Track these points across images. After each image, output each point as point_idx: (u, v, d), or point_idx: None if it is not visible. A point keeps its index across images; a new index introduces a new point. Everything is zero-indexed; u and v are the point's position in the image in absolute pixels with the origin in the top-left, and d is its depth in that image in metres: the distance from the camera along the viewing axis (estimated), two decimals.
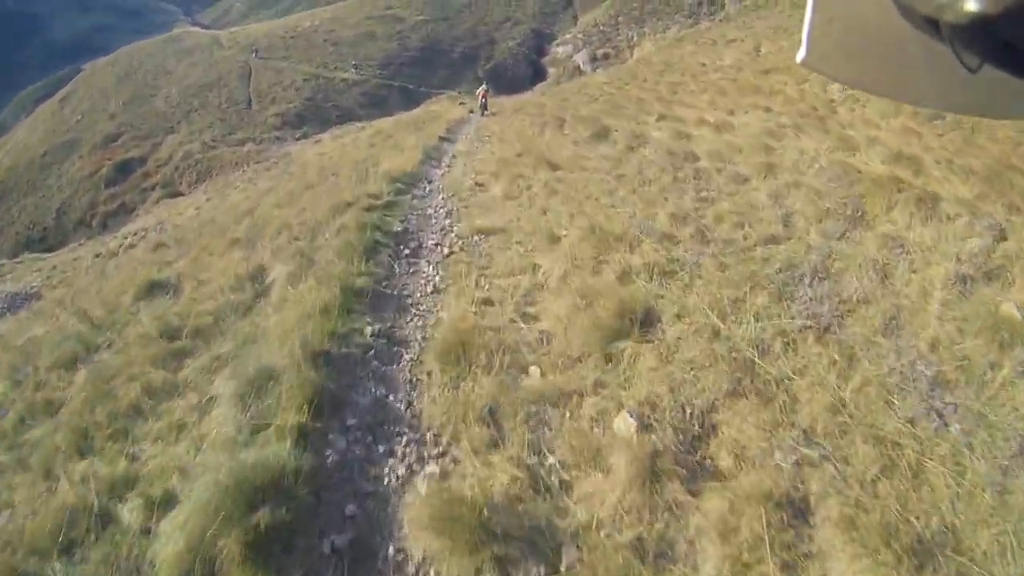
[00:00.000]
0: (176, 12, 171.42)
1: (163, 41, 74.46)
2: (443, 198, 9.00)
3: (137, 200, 46.13)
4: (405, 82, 52.78)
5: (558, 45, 61.19)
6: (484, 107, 26.59)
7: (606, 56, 57.58)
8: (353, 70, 53.37)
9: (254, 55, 59.56)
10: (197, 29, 77.75)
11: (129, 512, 3.49)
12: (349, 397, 4.16)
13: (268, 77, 54.56)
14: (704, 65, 21.39)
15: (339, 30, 60.95)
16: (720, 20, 48.53)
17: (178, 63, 64.82)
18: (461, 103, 38.72)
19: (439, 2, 66.06)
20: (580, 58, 57.42)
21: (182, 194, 40.61)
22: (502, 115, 22.56)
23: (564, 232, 6.34)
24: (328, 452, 3.65)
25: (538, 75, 57.21)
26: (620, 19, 61.98)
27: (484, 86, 29.48)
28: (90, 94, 65.88)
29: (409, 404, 4.13)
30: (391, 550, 3.08)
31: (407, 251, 6.86)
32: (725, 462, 3.26)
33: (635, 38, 59.06)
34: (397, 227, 7.48)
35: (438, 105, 40.15)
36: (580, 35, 61.33)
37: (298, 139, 45.71)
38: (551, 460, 3.44)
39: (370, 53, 56.26)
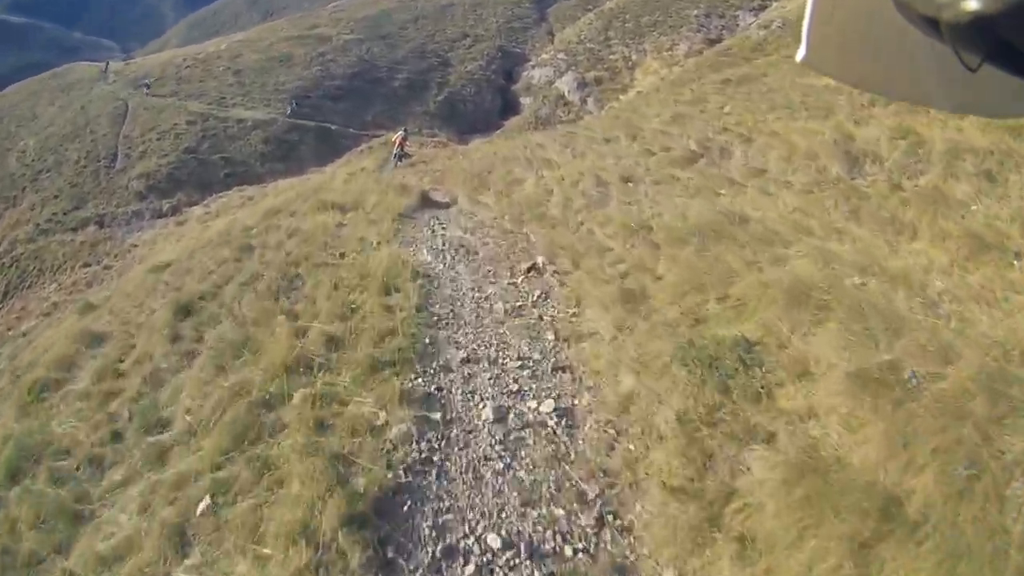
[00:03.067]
0: (115, 48, 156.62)
1: (49, 77, 60.30)
2: None
3: None
4: (327, 120, 38.97)
5: (533, 67, 48.09)
6: (400, 156, 22.69)
7: (599, 81, 44.73)
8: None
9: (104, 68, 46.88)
10: (89, 63, 63.26)
11: None
12: None
13: (145, 120, 40.56)
14: None
15: (247, 54, 47.13)
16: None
17: (50, 104, 50.70)
18: (393, 154, 25.39)
19: (376, 17, 52.49)
20: (565, 84, 44.40)
21: None
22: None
23: None
24: None
25: (509, 107, 44.20)
26: (611, 33, 49.19)
27: (402, 131, 24.84)
28: None
29: None
30: None
31: None
32: None
33: (634, 57, 46.32)
34: None
35: (363, 163, 26.40)
36: (562, 54, 48.24)
37: (163, 215, 31.71)
38: None
39: (283, 83, 42.45)
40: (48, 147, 42.60)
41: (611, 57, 46.71)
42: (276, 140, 36.71)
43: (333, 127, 38.33)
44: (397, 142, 23.64)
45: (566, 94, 44.56)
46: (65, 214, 34.22)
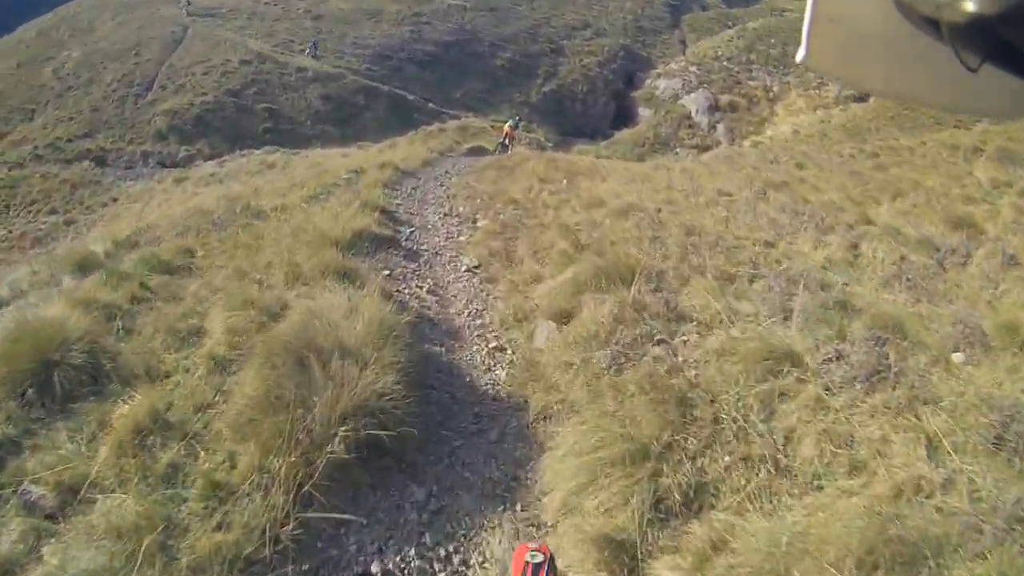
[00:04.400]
0: None
1: None
2: None
3: None
4: (404, 89, 31.63)
5: (659, 77, 40.25)
6: (505, 146, 18.54)
7: (733, 107, 36.98)
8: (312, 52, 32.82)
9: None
10: None
11: None
12: None
13: (198, 51, 34.06)
14: None
15: (335, 2, 40.28)
16: None
17: (111, 19, 45.00)
18: (500, 142, 18.66)
19: None
20: (693, 103, 36.97)
21: None
22: None
23: None
24: None
25: (623, 115, 36.78)
26: (752, 56, 41.62)
27: (513, 121, 20.43)
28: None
29: None
30: None
31: None
32: None
33: (775, 88, 38.58)
34: None
35: (405, 152, 18.11)
36: (694, 68, 40.37)
37: (175, 164, 24.89)
38: None
39: (363, 38, 35.37)
40: (89, 63, 36.59)
41: (750, 83, 39.19)
42: (338, 100, 29.53)
43: (411, 97, 30.97)
44: (507, 132, 19.36)
45: (693, 114, 36.89)
46: (69, 141, 27.83)
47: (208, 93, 29.13)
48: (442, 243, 8.15)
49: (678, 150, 34.41)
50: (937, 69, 0.60)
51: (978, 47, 0.52)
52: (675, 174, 13.53)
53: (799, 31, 0.71)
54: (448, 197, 10.82)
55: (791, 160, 16.33)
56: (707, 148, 34.11)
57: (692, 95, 37.94)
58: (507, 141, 18.86)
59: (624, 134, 34.27)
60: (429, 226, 8.89)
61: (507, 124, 20.04)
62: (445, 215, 9.55)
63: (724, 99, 37.92)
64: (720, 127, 36.12)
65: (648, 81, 40.15)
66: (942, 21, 0.51)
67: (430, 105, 30.83)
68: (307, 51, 33.65)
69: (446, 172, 13.37)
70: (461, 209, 9.93)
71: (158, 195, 19.23)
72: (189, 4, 43.55)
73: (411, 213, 9.40)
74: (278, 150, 23.31)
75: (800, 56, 0.70)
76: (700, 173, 13.90)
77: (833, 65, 0.74)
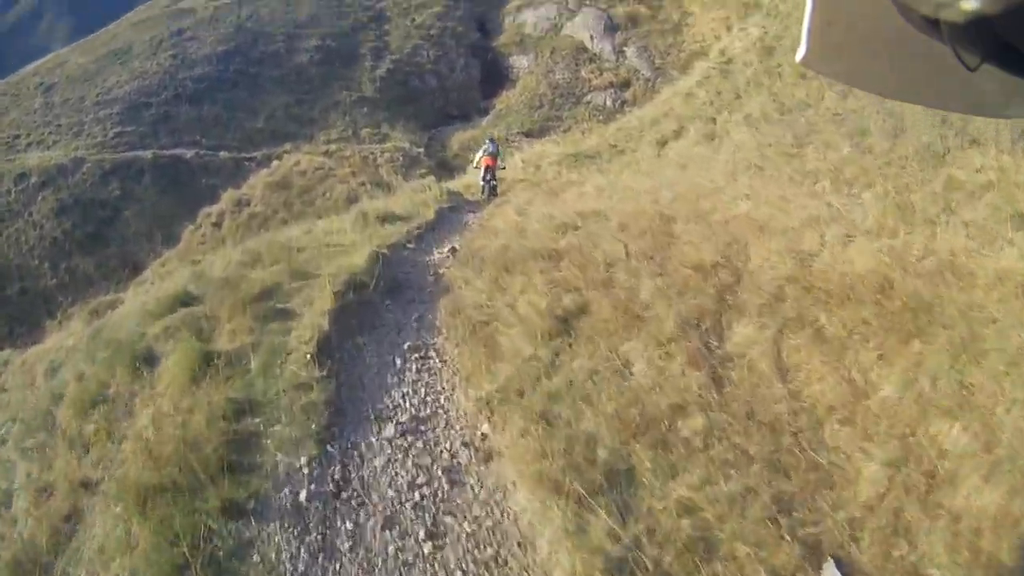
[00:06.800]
0: None
1: None
2: None
3: None
4: (179, 144, 21.85)
5: (521, 9, 31.57)
6: (492, 187, 13.39)
7: (634, 20, 29.94)
8: None
9: None
10: None
11: None
12: None
13: None
14: None
15: (73, 60, 29.54)
16: None
17: None
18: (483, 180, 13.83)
19: None
20: (583, 27, 28.87)
21: None
22: None
23: None
24: None
25: (493, 75, 28.37)
26: None
27: (488, 142, 14.13)
28: None
29: None
30: None
31: None
32: None
33: None
34: None
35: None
36: None
37: None
38: None
39: (108, 91, 25.14)
40: None
41: None
42: (80, 205, 19.57)
43: (188, 154, 21.13)
44: (484, 163, 13.57)
45: (588, 43, 28.28)
46: None
47: None
48: None
49: (589, 97, 25.83)
50: (937, 69, 0.60)
51: (978, 47, 0.52)
52: None
53: None
54: None
55: None
56: (626, 84, 25.94)
57: (577, 19, 29.52)
58: (490, 177, 13.55)
59: (508, 98, 25.70)
60: None
61: (481, 153, 13.96)
62: None
63: (619, 12, 29.60)
64: (630, 52, 27.72)
65: (508, 19, 31.05)
66: (942, 21, 0.50)
67: (221, 155, 21.13)
68: None
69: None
70: None
71: None
72: None
73: None
74: None
75: (800, 56, 0.69)
76: None
77: (833, 65, 0.73)
